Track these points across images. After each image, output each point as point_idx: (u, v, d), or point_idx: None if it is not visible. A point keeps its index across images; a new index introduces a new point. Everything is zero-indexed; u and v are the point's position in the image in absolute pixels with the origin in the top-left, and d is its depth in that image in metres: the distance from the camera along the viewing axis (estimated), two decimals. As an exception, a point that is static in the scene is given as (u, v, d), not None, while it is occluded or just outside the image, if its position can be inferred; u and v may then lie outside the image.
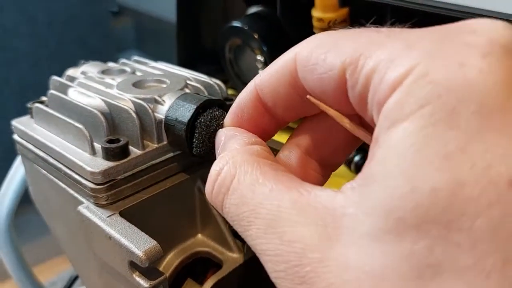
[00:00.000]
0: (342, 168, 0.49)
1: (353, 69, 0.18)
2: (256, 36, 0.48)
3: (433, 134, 0.15)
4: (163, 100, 0.32)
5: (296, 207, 0.18)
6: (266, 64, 0.48)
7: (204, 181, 0.33)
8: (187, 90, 0.34)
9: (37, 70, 1.35)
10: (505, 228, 0.14)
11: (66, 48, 1.41)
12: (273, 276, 0.18)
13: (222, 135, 0.24)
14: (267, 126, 0.24)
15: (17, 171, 0.40)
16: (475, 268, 0.14)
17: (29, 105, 0.37)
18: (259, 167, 0.20)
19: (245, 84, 0.55)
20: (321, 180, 0.24)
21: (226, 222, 0.34)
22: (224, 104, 0.31)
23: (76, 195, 0.32)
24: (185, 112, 0.30)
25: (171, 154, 0.33)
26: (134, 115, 0.31)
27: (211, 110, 0.30)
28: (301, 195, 0.18)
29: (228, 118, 0.25)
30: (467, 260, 0.14)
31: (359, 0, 0.38)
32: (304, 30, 0.41)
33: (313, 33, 0.44)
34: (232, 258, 0.34)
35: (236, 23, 0.50)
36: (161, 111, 0.32)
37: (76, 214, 0.31)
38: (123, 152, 0.30)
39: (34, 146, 0.35)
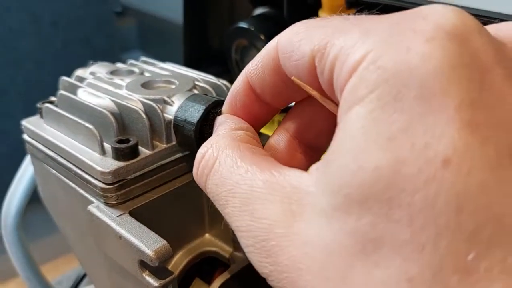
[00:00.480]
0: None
1: (320, 55, 0.19)
2: (262, 37, 0.49)
3: (379, 117, 0.16)
4: (172, 101, 0.33)
5: (267, 187, 0.19)
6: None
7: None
8: (195, 91, 0.34)
9: (42, 70, 1.36)
10: (438, 204, 0.14)
11: (71, 49, 1.41)
12: (245, 251, 0.19)
13: (217, 121, 0.26)
14: (259, 112, 0.26)
15: (26, 170, 0.41)
16: (412, 242, 0.15)
17: (38, 105, 0.37)
18: (239, 151, 0.22)
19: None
20: (310, 162, 0.26)
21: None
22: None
23: (86, 194, 0.32)
24: (194, 113, 0.31)
25: (180, 154, 0.33)
26: (143, 115, 0.31)
27: (220, 111, 0.31)
28: (273, 175, 0.19)
29: (224, 106, 0.27)
30: (405, 235, 0.15)
31: (366, 1, 0.38)
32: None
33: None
34: (240, 257, 0.34)
35: (243, 24, 0.50)
36: (170, 112, 0.32)
37: (86, 213, 0.31)
38: (133, 152, 0.31)
39: (44, 146, 0.35)
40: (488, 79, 0.16)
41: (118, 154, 0.30)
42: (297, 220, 0.18)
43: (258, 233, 0.18)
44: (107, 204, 0.30)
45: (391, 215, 0.15)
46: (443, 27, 0.16)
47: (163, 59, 0.42)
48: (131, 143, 0.31)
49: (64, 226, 0.38)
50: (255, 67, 0.24)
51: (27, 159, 0.41)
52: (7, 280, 1.32)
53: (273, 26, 0.49)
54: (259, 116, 0.26)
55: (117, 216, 0.29)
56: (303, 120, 0.25)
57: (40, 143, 0.36)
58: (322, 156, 0.18)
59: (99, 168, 0.30)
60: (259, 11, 0.52)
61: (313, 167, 0.19)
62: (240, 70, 0.56)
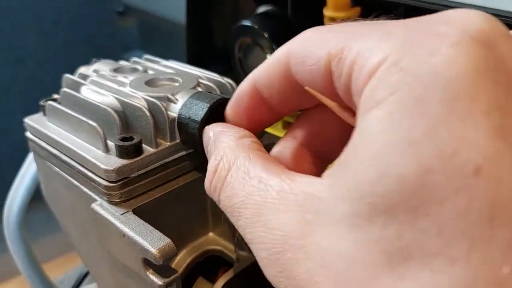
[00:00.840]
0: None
1: (337, 60, 0.19)
2: (266, 35, 0.48)
3: (400, 120, 0.15)
4: (176, 99, 0.32)
5: (279, 196, 0.19)
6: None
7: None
8: (199, 89, 0.34)
9: (43, 69, 1.36)
10: (470, 215, 0.14)
11: (72, 47, 1.41)
12: (260, 264, 0.19)
13: (209, 131, 0.26)
14: (263, 116, 0.25)
15: (29, 168, 0.41)
16: (441, 254, 0.14)
17: (41, 102, 0.37)
18: (250, 160, 0.21)
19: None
20: (316, 172, 0.25)
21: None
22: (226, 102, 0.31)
23: (89, 192, 0.32)
24: (198, 111, 0.30)
25: (183, 153, 0.33)
26: (147, 113, 0.31)
27: (224, 109, 0.31)
28: (285, 183, 0.19)
29: (229, 107, 0.26)
30: (433, 246, 0.14)
31: (372, -1, 0.38)
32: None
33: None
34: (243, 256, 0.34)
35: (246, 22, 0.50)
36: (174, 110, 0.32)
37: (89, 211, 0.31)
38: (137, 150, 0.31)
39: (47, 143, 0.35)
40: None
41: (122, 152, 0.30)
42: (312, 230, 0.17)
43: (272, 245, 0.18)
44: (111, 202, 0.30)
45: (418, 225, 0.14)
46: (469, 32, 0.16)
47: (164, 58, 0.42)
48: (135, 141, 0.30)
49: (67, 224, 0.38)
50: (264, 72, 0.23)
51: (30, 157, 0.41)
52: (7, 279, 1.32)
53: (276, 24, 0.49)
54: (263, 120, 0.26)
55: (121, 214, 0.29)
56: (312, 128, 0.25)
57: (43, 141, 0.35)
58: (335, 161, 0.18)
59: (102, 166, 0.30)
60: (262, 9, 0.52)
61: (327, 173, 0.18)
62: (243, 69, 0.56)
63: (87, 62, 0.41)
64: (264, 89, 0.24)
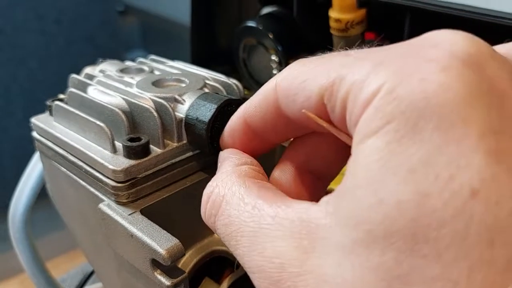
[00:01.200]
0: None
1: (329, 94, 0.19)
2: (271, 36, 0.48)
3: (397, 149, 0.15)
4: (183, 100, 0.32)
5: (275, 222, 0.18)
6: (280, 64, 0.48)
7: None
8: (206, 90, 0.34)
9: (45, 68, 1.36)
10: (469, 238, 0.14)
11: (74, 47, 1.41)
12: None
13: (220, 157, 0.26)
14: (257, 147, 0.26)
15: (35, 168, 0.41)
16: (442, 277, 0.14)
17: (48, 102, 0.37)
18: (245, 187, 0.21)
19: (258, 84, 0.55)
20: (318, 193, 0.25)
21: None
22: (234, 103, 0.32)
23: (96, 192, 0.32)
24: (206, 112, 0.31)
25: (190, 153, 0.33)
26: (155, 114, 0.31)
27: (231, 110, 0.31)
28: (280, 209, 0.19)
29: (222, 139, 0.27)
30: (434, 270, 0.14)
31: (378, 1, 0.38)
32: (321, 31, 0.41)
33: (330, 34, 0.44)
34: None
35: (251, 23, 0.50)
36: (181, 110, 0.32)
37: (96, 211, 0.31)
38: (144, 150, 0.31)
39: (54, 143, 0.35)
40: (507, 105, 0.15)
41: (130, 153, 0.30)
42: (310, 257, 0.17)
43: (270, 274, 0.17)
44: (118, 203, 0.30)
45: (418, 251, 0.14)
46: (457, 55, 0.16)
47: (164, 57, 0.42)
48: (143, 141, 0.31)
49: (73, 223, 0.38)
50: (254, 108, 0.24)
51: (36, 157, 0.41)
52: (8, 278, 1.32)
53: (281, 25, 0.49)
54: (257, 149, 0.26)
55: (129, 215, 0.29)
56: (307, 150, 0.25)
57: (50, 141, 0.35)
58: (334, 187, 0.18)
59: (110, 166, 0.30)
60: (267, 10, 0.52)
61: (324, 199, 0.18)
62: (247, 69, 0.56)
63: (88, 61, 0.42)
64: (254, 124, 0.24)
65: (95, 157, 0.31)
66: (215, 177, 0.23)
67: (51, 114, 0.37)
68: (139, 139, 0.31)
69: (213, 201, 0.22)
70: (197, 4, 0.53)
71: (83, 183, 0.33)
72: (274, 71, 0.49)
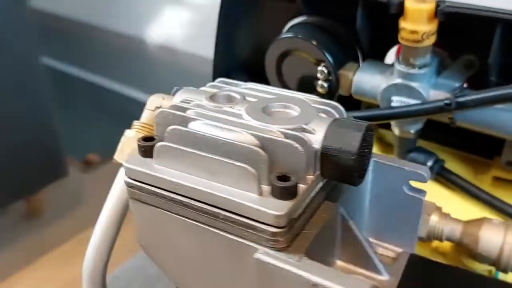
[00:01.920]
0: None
1: None
2: (318, 46, 0.48)
3: None
4: (313, 129, 0.31)
5: None
6: (329, 74, 0.47)
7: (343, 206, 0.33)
8: (323, 115, 0.33)
9: None
10: None
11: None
12: None
13: None
14: None
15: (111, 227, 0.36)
16: None
17: (139, 143, 0.33)
18: None
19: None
20: None
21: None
22: (371, 128, 0.31)
23: (241, 240, 0.29)
24: (351, 141, 0.29)
25: (321, 184, 0.32)
26: (300, 148, 0.29)
27: (369, 135, 0.31)
28: None
29: None
30: None
31: (459, 13, 0.39)
32: (387, 43, 0.41)
33: (383, 43, 0.43)
34: (384, 282, 0.34)
35: (292, 33, 0.49)
36: (315, 141, 0.30)
37: (238, 261, 0.29)
38: (296, 189, 0.29)
39: (163, 189, 0.31)
40: None
41: (283, 193, 0.28)
42: None
43: None
44: (275, 249, 0.28)
45: None
46: None
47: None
48: (294, 180, 0.29)
49: (181, 273, 0.34)
50: None
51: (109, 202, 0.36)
52: (5, 279, 1.27)
53: (327, 35, 0.48)
54: None
55: (297, 261, 0.27)
56: None
57: (156, 187, 0.31)
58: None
59: (271, 212, 0.27)
60: (297, 20, 0.51)
61: None
62: (281, 80, 0.54)
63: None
64: None
65: (245, 203, 0.28)
66: None
67: (146, 156, 0.32)
68: (286, 177, 0.29)
69: None
70: (224, 18, 0.50)
71: (216, 230, 0.30)
72: (320, 82, 0.48)
